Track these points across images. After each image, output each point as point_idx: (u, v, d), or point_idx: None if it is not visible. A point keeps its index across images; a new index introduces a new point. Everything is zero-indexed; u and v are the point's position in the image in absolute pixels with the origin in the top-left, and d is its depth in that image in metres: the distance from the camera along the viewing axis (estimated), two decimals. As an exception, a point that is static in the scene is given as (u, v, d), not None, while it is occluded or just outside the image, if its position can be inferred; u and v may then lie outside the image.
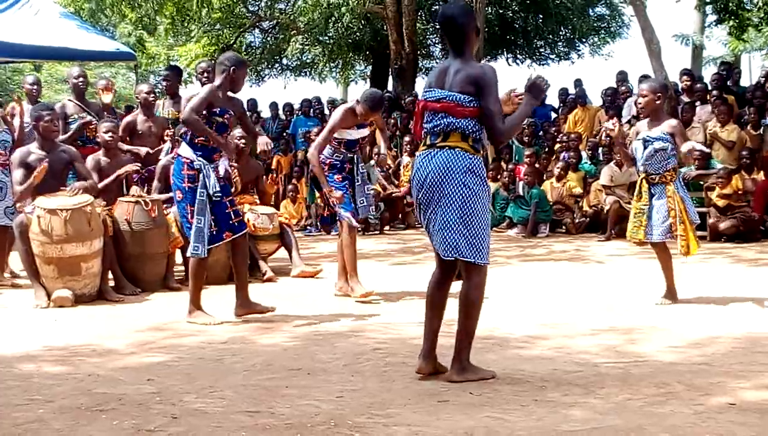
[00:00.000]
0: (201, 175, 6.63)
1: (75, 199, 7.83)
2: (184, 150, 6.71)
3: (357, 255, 8.00)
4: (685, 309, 7.00)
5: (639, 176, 7.44)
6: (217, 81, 6.76)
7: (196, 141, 6.65)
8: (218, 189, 6.70)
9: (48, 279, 7.84)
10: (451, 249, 4.75)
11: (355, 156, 8.03)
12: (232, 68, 6.73)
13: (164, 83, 11.08)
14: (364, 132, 8.05)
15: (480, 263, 4.78)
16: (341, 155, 7.93)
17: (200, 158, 6.64)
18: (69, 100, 10.09)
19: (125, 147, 9.64)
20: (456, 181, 4.73)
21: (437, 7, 23.19)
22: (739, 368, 4.96)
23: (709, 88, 14.67)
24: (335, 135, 7.79)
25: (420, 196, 4.86)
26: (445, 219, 4.75)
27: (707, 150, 7.25)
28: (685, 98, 14.66)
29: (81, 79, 10.04)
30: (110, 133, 8.87)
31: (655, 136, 7.20)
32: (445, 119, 4.80)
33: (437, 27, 23.15)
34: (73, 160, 8.34)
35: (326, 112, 18.40)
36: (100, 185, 8.58)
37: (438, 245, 4.81)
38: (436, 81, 4.88)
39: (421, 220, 4.97)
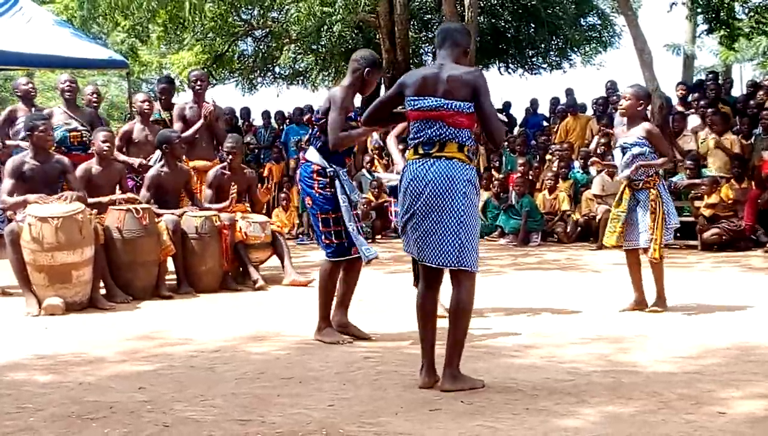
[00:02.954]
0: (337, 182, 6.18)
1: (66, 207, 7.80)
2: (313, 155, 6.28)
3: None
4: (677, 318, 7.01)
5: (622, 183, 7.45)
6: (347, 81, 6.28)
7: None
8: (357, 197, 6.35)
9: (39, 287, 7.81)
10: (446, 257, 4.75)
11: None
12: (366, 69, 6.18)
13: (161, 97, 11.09)
14: None
15: (473, 271, 4.80)
16: None
17: (332, 164, 6.20)
18: (57, 107, 10.07)
19: (120, 157, 9.65)
20: (458, 192, 4.74)
21: (429, 16, 23.26)
22: (731, 378, 4.97)
23: (699, 97, 14.74)
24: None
25: (417, 205, 4.83)
26: (443, 229, 4.74)
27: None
28: (678, 107, 14.72)
29: (67, 85, 10.00)
30: (107, 143, 8.85)
31: (631, 142, 7.24)
32: (441, 129, 4.80)
33: (429, 36, 23.21)
34: (66, 171, 8.33)
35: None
36: (90, 201, 8.52)
37: (431, 254, 4.79)
38: (425, 89, 4.85)
39: (407, 228, 4.92)
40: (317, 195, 6.21)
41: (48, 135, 8.27)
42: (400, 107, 5.20)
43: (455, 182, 4.75)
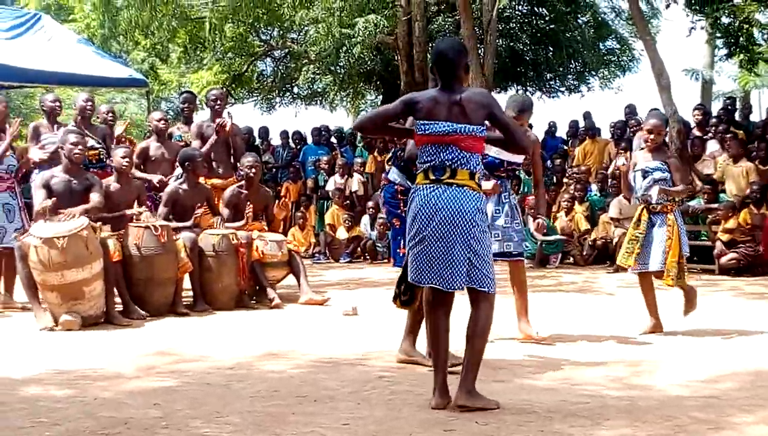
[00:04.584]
0: None
1: (70, 225, 7.78)
2: (395, 175, 6.17)
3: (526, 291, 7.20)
4: (692, 342, 6.99)
5: (638, 205, 7.49)
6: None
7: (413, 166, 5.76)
8: None
9: (52, 305, 7.82)
10: (455, 281, 4.78)
11: (501, 182, 6.88)
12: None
13: (186, 108, 11.17)
14: (517, 157, 6.82)
15: (491, 292, 4.83)
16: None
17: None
18: (74, 125, 10.12)
19: (138, 174, 9.72)
20: (468, 221, 4.78)
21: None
22: (745, 402, 4.94)
23: (717, 122, 14.75)
24: None
25: (427, 231, 4.84)
26: (455, 255, 4.77)
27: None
28: (696, 132, 14.71)
29: (89, 104, 10.09)
30: (126, 159, 8.90)
31: (653, 167, 7.30)
32: (453, 154, 4.83)
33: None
34: (92, 188, 8.36)
35: (333, 140, 18.56)
36: (105, 216, 8.61)
37: (440, 278, 4.81)
38: (437, 113, 4.86)
39: (414, 253, 4.90)
40: (403, 215, 5.87)
41: (78, 148, 8.32)
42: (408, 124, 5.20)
43: (466, 211, 4.78)
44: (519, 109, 6.80)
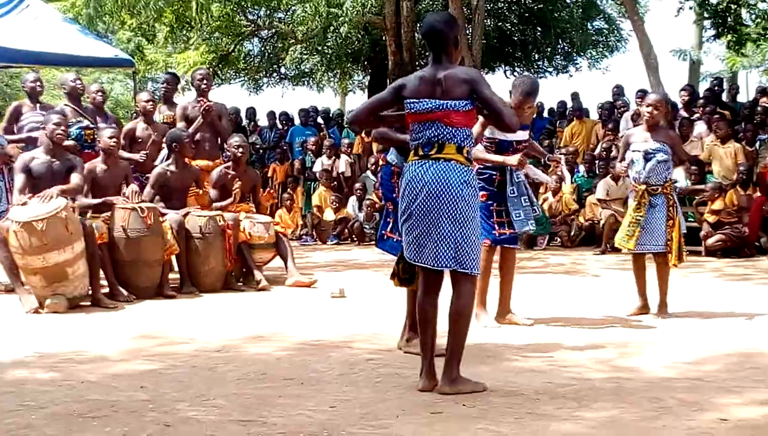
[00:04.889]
0: None
1: (48, 207, 7.68)
2: (393, 156, 6.05)
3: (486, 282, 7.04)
4: (679, 324, 7.01)
5: (638, 187, 7.41)
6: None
7: None
8: None
9: (36, 289, 7.78)
10: (443, 259, 4.76)
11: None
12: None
13: (164, 88, 11.13)
14: (523, 135, 6.87)
15: (474, 273, 4.81)
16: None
17: None
18: (66, 105, 10.08)
19: (125, 154, 9.66)
20: (454, 194, 4.73)
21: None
22: (732, 384, 4.96)
23: (704, 103, 14.77)
24: (486, 134, 6.75)
25: (414, 207, 4.83)
26: (442, 231, 4.74)
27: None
28: (683, 113, 14.73)
29: (78, 83, 10.04)
30: (113, 139, 8.85)
31: (655, 148, 7.25)
32: (438, 130, 4.80)
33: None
34: (73, 169, 8.29)
35: (320, 121, 18.51)
36: (92, 201, 8.60)
37: (428, 255, 4.79)
38: (422, 91, 4.84)
39: (404, 229, 4.91)
40: (397, 200, 5.76)
41: (62, 130, 8.26)
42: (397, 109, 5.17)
43: (452, 184, 4.74)
44: (525, 92, 6.76)
